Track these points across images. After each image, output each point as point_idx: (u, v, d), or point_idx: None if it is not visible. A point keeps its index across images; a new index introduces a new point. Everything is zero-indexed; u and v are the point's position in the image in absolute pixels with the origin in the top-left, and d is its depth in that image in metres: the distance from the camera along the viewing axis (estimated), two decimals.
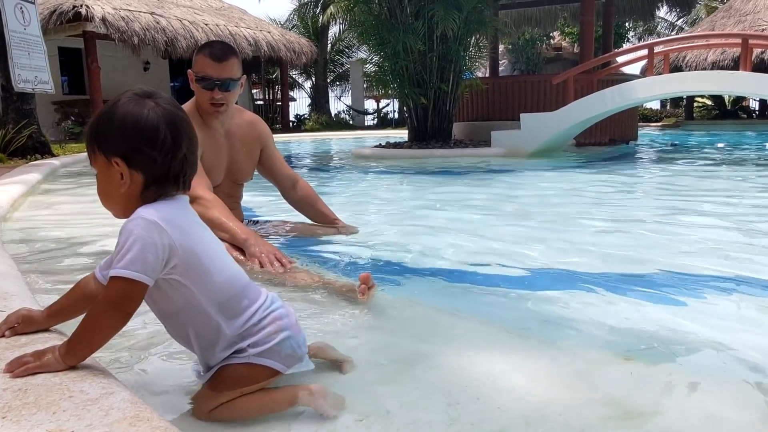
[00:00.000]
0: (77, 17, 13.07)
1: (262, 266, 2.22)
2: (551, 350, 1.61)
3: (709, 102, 24.24)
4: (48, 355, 1.13)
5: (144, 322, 1.68)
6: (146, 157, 1.14)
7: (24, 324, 1.30)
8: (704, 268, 2.39)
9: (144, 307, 1.18)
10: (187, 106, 2.70)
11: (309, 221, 3.10)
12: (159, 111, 1.16)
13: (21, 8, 8.19)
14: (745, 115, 23.22)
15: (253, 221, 3.09)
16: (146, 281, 1.09)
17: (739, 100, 23.09)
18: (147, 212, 1.11)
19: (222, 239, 2.36)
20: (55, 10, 13.19)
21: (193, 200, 2.43)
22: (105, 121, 1.16)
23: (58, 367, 1.12)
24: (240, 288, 1.23)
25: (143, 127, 1.13)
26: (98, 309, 1.11)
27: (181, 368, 1.46)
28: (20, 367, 1.11)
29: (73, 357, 1.13)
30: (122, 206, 1.17)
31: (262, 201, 4.14)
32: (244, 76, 2.75)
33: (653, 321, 1.80)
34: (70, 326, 1.50)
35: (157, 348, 1.58)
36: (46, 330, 1.32)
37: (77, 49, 15.64)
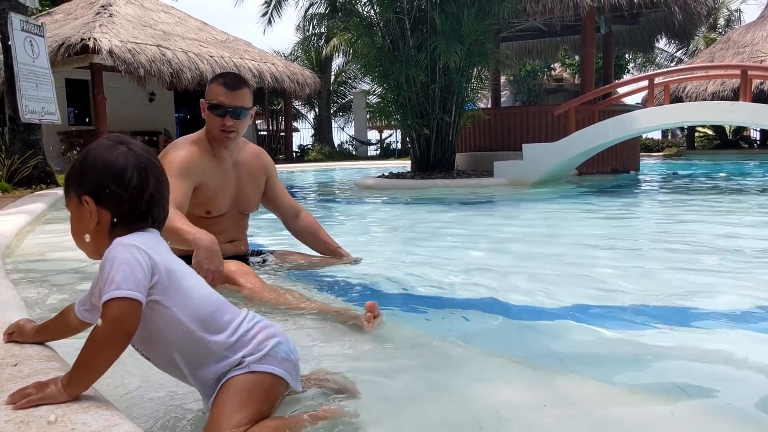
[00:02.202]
0: (85, 50, 13.28)
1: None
2: (557, 382, 1.59)
3: (710, 132, 24.38)
4: (51, 386, 1.12)
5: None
6: (113, 194, 1.19)
7: (17, 333, 1.42)
8: (710, 300, 2.38)
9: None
10: (197, 136, 2.73)
11: (312, 252, 3.10)
12: (129, 155, 1.22)
13: (30, 41, 8.34)
14: (747, 145, 23.33)
15: (257, 252, 3.09)
16: (140, 298, 1.11)
17: (740, 130, 23.23)
18: (124, 239, 1.17)
19: (178, 243, 2.28)
20: (63, 43, 13.41)
21: None
22: (78, 163, 1.24)
23: (60, 398, 1.11)
24: (219, 304, 1.27)
25: (111, 168, 1.20)
26: (97, 333, 1.11)
27: (185, 399, 1.44)
28: (22, 399, 1.09)
29: (75, 386, 1.12)
30: (93, 245, 1.23)
31: (265, 232, 4.14)
32: (255, 107, 2.79)
33: (658, 353, 1.78)
34: (71, 356, 1.50)
35: (161, 379, 1.56)
36: (40, 344, 1.42)
37: (84, 81, 15.86)
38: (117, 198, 1.20)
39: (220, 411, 1.19)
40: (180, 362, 1.22)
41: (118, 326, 1.10)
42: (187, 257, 2.74)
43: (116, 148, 1.22)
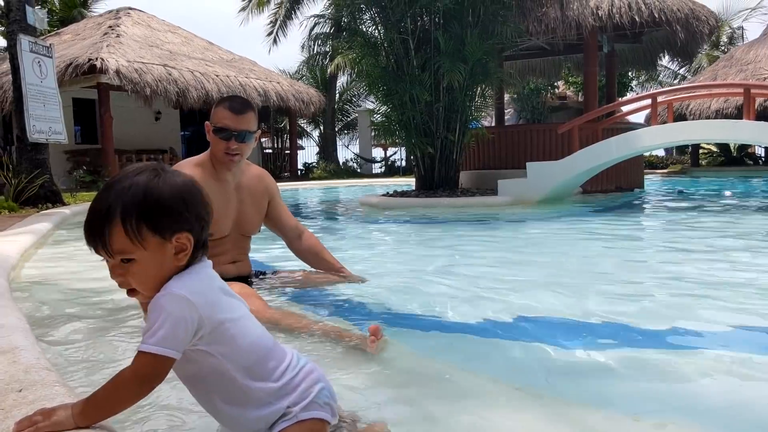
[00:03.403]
0: (92, 69, 13.42)
1: None
2: (561, 408, 1.58)
3: (714, 149, 24.36)
4: (59, 412, 1.11)
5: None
6: (203, 223, 1.18)
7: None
8: (717, 324, 2.36)
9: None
10: (200, 158, 2.76)
11: (316, 272, 3.11)
12: (185, 177, 1.20)
13: (39, 62, 8.44)
14: (751, 162, 23.29)
15: (261, 273, 3.10)
16: (176, 356, 1.10)
17: (744, 147, 23.19)
18: (176, 287, 1.13)
19: None
20: (71, 63, 13.56)
21: None
22: (156, 202, 1.13)
23: (68, 426, 1.10)
24: (266, 350, 1.22)
25: (195, 192, 1.18)
26: (124, 382, 1.11)
27: (195, 425, 1.44)
28: (30, 427, 1.09)
29: (87, 420, 1.12)
30: (161, 284, 1.15)
31: (268, 253, 4.15)
32: (259, 130, 2.82)
33: (663, 379, 1.78)
34: (75, 381, 1.50)
35: (168, 409, 1.57)
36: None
37: (91, 100, 16.00)
38: (204, 226, 1.18)
39: None
40: (219, 402, 1.21)
41: (146, 381, 1.11)
42: (242, 278, 2.77)
43: (170, 174, 1.17)
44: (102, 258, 1.16)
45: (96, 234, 1.13)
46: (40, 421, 1.10)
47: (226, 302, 1.19)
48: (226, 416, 1.22)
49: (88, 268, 3.84)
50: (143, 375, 1.10)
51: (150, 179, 1.14)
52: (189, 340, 1.12)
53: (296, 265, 3.23)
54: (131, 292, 1.18)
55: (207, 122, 2.71)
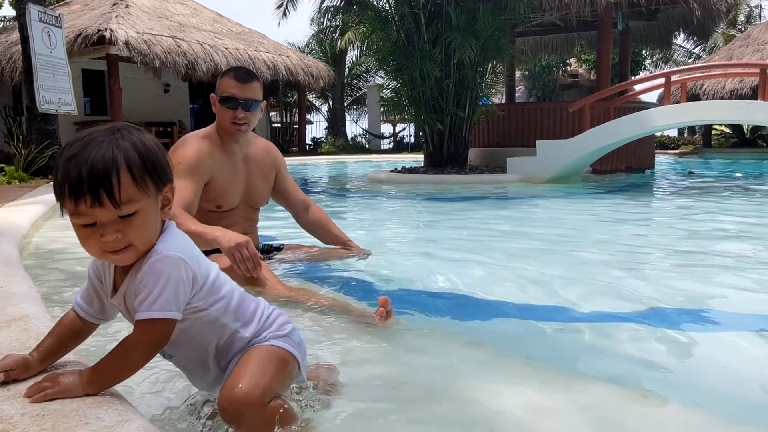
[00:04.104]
0: (101, 41, 13.36)
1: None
2: (568, 383, 1.59)
3: (727, 130, 24.08)
4: (68, 378, 1.13)
5: None
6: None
7: (20, 370, 1.19)
8: (727, 303, 2.36)
9: None
10: (207, 131, 2.76)
11: (322, 245, 3.11)
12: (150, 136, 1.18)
13: (48, 32, 8.40)
14: (765, 144, 23.01)
15: (268, 245, 3.11)
16: (179, 317, 1.13)
17: (758, 129, 22.90)
18: (168, 248, 1.13)
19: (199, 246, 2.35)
20: (80, 34, 13.50)
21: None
22: (149, 153, 1.12)
23: (76, 393, 1.12)
24: (242, 295, 1.29)
25: (158, 151, 1.17)
26: (131, 349, 1.12)
27: (199, 397, 1.46)
28: (39, 393, 1.11)
29: (95, 387, 1.13)
30: (152, 240, 1.14)
31: (276, 226, 4.16)
32: (265, 101, 2.80)
33: (674, 358, 1.78)
34: (86, 348, 1.52)
35: (175, 376, 1.58)
36: (40, 374, 1.22)
37: (100, 71, 15.96)
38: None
39: (242, 369, 1.20)
40: (211, 356, 1.25)
41: (152, 346, 1.13)
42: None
43: (139, 133, 1.14)
44: (85, 221, 1.09)
45: (100, 185, 1.05)
46: (48, 387, 1.11)
47: (203, 256, 1.23)
48: (215, 374, 1.27)
49: None
50: (150, 342, 1.12)
51: (131, 133, 1.13)
52: (188, 299, 1.15)
53: (303, 239, 3.23)
54: (123, 251, 1.11)
55: (212, 94, 2.69)
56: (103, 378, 1.13)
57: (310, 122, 25.94)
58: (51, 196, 4.94)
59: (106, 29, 13.42)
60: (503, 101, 15.07)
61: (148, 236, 1.13)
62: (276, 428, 1.19)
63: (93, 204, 1.06)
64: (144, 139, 1.13)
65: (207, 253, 2.46)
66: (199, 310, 1.19)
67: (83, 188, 1.05)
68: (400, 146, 23.94)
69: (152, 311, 1.09)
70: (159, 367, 1.62)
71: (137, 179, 1.08)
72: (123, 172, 1.07)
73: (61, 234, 4.04)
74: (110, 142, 1.09)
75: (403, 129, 25.53)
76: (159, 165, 1.13)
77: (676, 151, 21.92)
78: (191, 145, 2.66)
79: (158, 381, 1.54)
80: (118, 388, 1.18)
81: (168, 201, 1.16)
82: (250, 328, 1.26)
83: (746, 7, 27.57)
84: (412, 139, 24.28)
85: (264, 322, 1.28)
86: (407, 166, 10.61)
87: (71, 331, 1.27)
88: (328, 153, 19.98)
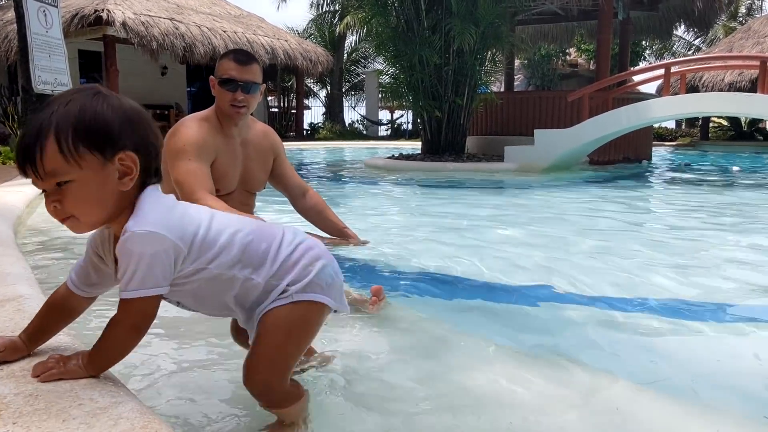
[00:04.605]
0: (98, 21, 13.24)
1: None
2: (561, 372, 1.59)
3: (725, 123, 24.09)
4: (72, 361, 1.13)
5: (157, 333, 1.68)
6: (153, 149, 1.11)
7: (8, 352, 1.19)
8: (724, 294, 2.37)
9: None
10: (206, 113, 2.74)
11: (318, 231, 3.11)
12: (131, 103, 1.11)
13: (44, 11, 8.32)
14: (762, 137, 23.03)
15: None
16: (161, 292, 1.10)
17: (755, 122, 22.91)
18: (138, 224, 1.06)
19: None
20: (76, 14, 13.37)
21: (191, 198, 2.45)
22: (92, 121, 1.04)
23: (81, 375, 1.12)
24: (251, 236, 1.19)
25: (143, 116, 1.11)
26: (118, 330, 1.11)
27: (193, 379, 1.46)
28: (45, 372, 1.11)
29: (95, 369, 1.14)
30: (107, 213, 1.09)
31: (272, 211, 4.15)
32: (264, 84, 2.78)
33: (669, 349, 1.78)
34: (81, 329, 1.52)
35: (169, 358, 1.58)
36: (29, 356, 1.22)
37: (97, 53, 15.83)
38: (154, 151, 1.11)
39: (261, 344, 1.17)
40: (234, 305, 1.20)
41: (137, 325, 1.11)
42: None
43: (115, 97, 1.09)
44: (37, 187, 1.06)
45: (28, 154, 1.01)
46: (54, 368, 1.11)
47: (189, 214, 1.15)
48: (244, 316, 1.22)
49: None
50: (133, 321, 1.10)
51: (88, 97, 1.06)
52: (171, 269, 1.09)
53: (300, 225, 3.23)
54: (68, 220, 1.08)
55: (211, 77, 2.68)
56: (99, 359, 1.13)
57: (308, 107, 25.82)
58: None
59: (103, 9, 13.30)
60: (502, 89, 15.02)
61: (90, 209, 1.07)
62: (290, 406, 1.21)
63: (24, 173, 1.04)
64: (95, 105, 1.05)
65: None
66: (197, 271, 1.13)
67: (18, 158, 1.04)
68: (397, 133, 23.88)
69: (127, 291, 1.07)
70: (157, 350, 1.62)
71: (63, 149, 1.02)
72: (49, 142, 1.02)
73: None
74: (52, 108, 1.04)
75: (401, 116, 25.45)
76: (100, 133, 1.04)
77: (674, 143, 21.92)
78: (191, 128, 2.64)
79: (154, 365, 1.54)
80: (116, 369, 1.18)
81: (128, 171, 1.07)
82: (262, 272, 1.17)
83: None
84: (410, 126, 24.21)
85: (283, 264, 1.18)
86: (405, 152, 10.59)
87: (61, 309, 1.24)
88: (325, 139, 19.92)
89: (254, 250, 1.18)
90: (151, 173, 1.12)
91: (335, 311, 1.24)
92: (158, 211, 1.09)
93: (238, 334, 1.40)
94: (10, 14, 12.17)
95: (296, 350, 1.21)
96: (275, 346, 1.17)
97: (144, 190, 1.11)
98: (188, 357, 1.62)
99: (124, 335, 1.12)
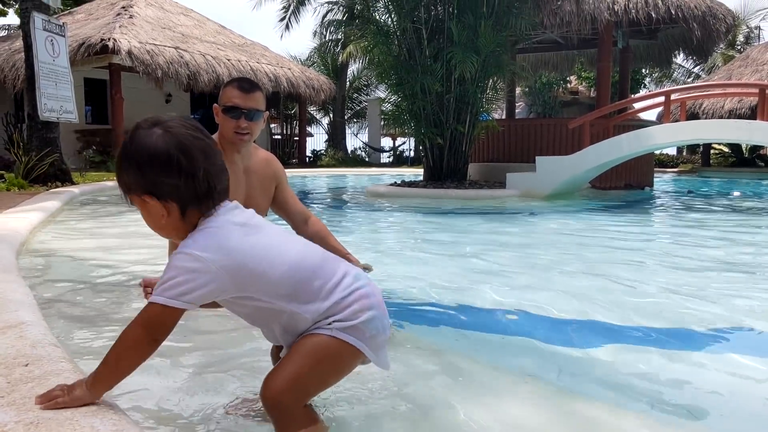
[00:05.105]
0: (104, 50, 13.43)
1: None
2: (567, 401, 1.58)
3: (726, 149, 24.17)
4: (77, 389, 1.13)
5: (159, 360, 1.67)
6: (168, 186, 1.15)
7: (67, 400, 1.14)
8: (726, 323, 2.35)
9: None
10: None
11: None
12: (168, 138, 1.15)
13: (52, 40, 8.44)
14: (763, 164, 23.09)
15: None
16: (180, 306, 1.11)
17: (756, 148, 22.99)
18: (186, 246, 1.14)
19: None
20: (83, 43, 13.56)
21: None
22: (123, 162, 1.18)
23: (87, 400, 1.12)
24: (309, 272, 1.21)
25: (154, 159, 1.14)
26: (126, 334, 1.13)
27: (192, 408, 1.45)
28: (49, 401, 1.11)
29: (100, 385, 1.13)
30: (173, 233, 1.21)
31: None
32: (267, 112, 2.81)
33: (670, 378, 1.77)
34: (82, 356, 1.51)
35: (168, 389, 1.57)
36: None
37: (102, 80, 16.02)
38: (174, 187, 1.15)
39: (289, 361, 1.19)
40: (278, 332, 1.23)
41: (147, 330, 1.12)
42: None
43: (152, 134, 1.15)
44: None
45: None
46: (59, 396, 1.11)
47: (248, 244, 1.18)
48: (291, 340, 1.24)
49: (94, 247, 3.86)
50: (149, 323, 1.12)
51: (131, 138, 1.18)
52: (206, 293, 1.12)
53: None
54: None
55: (215, 105, 2.71)
56: (104, 375, 1.13)
57: (311, 134, 26.01)
58: (49, 204, 4.95)
59: (109, 39, 13.49)
60: (503, 117, 15.13)
61: (154, 229, 1.22)
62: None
63: None
64: (131, 141, 1.17)
65: None
66: (245, 298, 1.18)
67: None
68: (399, 160, 23.99)
69: (155, 296, 1.12)
70: (156, 376, 1.61)
71: (121, 183, 1.19)
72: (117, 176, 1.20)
73: (58, 242, 4.03)
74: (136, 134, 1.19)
75: (403, 143, 25.61)
76: (121, 180, 1.19)
77: (675, 170, 21.98)
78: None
79: (155, 392, 1.53)
80: (115, 396, 1.17)
81: (153, 208, 1.17)
82: (311, 308, 1.19)
83: (745, 28, 27.78)
84: (412, 153, 24.34)
85: (334, 305, 1.20)
86: (407, 179, 10.62)
87: None
88: (327, 165, 20.01)
89: (307, 286, 1.20)
90: (199, 197, 1.17)
91: (368, 362, 1.26)
92: (210, 239, 1.15)
93: (276, 360, 1.40)
94: (18, 43, 12.36)
95: (319, 380, 1.21)
96: (301, 366, 1.18)
97: (212, 215, 1.19)
98: (188, 387, 1.61)
99: (136, 339, 1.12)
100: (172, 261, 1.13)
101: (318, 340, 1.19)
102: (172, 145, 1.14)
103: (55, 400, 1.11)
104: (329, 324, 1.19)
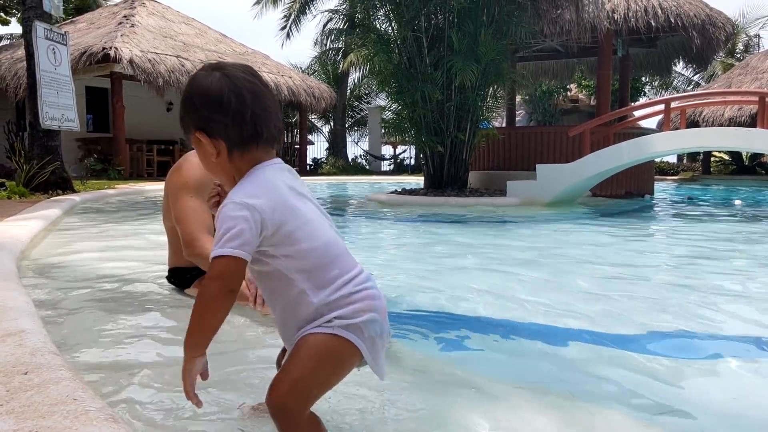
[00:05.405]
0: (106, 58, 13.48)
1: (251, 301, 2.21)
2: (567, 408, 1.57)
3: (726, 157, 24.20)
4: (183, 362, 1.17)
5: (160, 369, 1.67)
6: (218, 124, 1.22)
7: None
8: (727, 329, 2.34)
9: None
10: None
11: None
12: (223, 80, 1.23)
13: (54, 49, 8.48)
14: (763, 171, 23.11)
15: None
16: (244, 256, 1.14)
17: (757, 156, 23.01)
18: (235, 195, 1.18)
19: None
20: (85, 52, 13.62)
21: (192, 242, 2.47)
22: (183, 102, 1.27)
23: (190, 367, 1.16)
24: (332, 258, 1.23)
25: (208, 97, 1.22)
26: (203, 291, 1.15)
27: (195, 417, 1.44)
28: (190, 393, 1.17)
29: (194, 348, 1.16)
30: (222, 176, 1.27)
31: None
32: None
33: (674, 385, 1.76)
34: (83, 364, 1.50)
35: (170, 396, 1.57)
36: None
37: (103, 89, 16.08)
38: (223, 126, 1.21)
39: (291, 363, 1.19)
40: (280, 312, 1.24)
41: (220, 283, 1.14)
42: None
43: (210, 76, 1.24)
44: None
45: None
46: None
47: (292, 205, 1.22)
48: (282, 326, 1.26)
49: (95, 255, 3.86)
50: (215, 280, 1.14)
51: (192, 79, 1.26)
52: (255, 241, 1.16)
53: None
54: None
55: None
56: (193, 334, 1.16)
57: (311, 143, 26.05)
58: (50, 212, 4.95)
59: (110, 47, 13.55)
60: (504, 125, 15.17)
61: (207, 170, 1.30)
62: None
63: None
64: (203, 83, 1.23)
65: None
66: (269, 256, 1.20)
67: None
68: (400, 168, 24.03)
69: (216, 250, 1.15)
70: (154, 381, 1.61)
71: (181, 114, 1.28)
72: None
73: (58, 250, 4.03)
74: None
75: (404, 151, 25.65)
76: (183, 115, 1.27)
77: (676, 178, 22.00)
78: (194, 162, 2.66)
79: (162, 405, 1.53)
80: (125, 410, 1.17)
81: (202, 146, 1.24)
82: (321, 295, 1.20)
83: (744, 36, 27.87)
84: (413, 161, 24.38)
85: (341, 298, 1.21)
86: (407, 187, 10.63)
87: None
88: (328, 174, 20.04)
89: (326, 271, 1.22)
90: (244, 139, 1.22)
91: (364, 365, 1.26)
92: (258, 187, 1.20)
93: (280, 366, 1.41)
94: (20, 52, 12.41)
95: (322, 381, 1.21)
96: (302, 369, 1.18)
97: (258, 165, 1.23)
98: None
99: (209, 300, 1.15)
100: (223, 211, 1.16)
101: (317, 340, 1.19)
102: (226, 86, 1.22)
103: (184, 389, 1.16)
104: (329, 321, 1.20)
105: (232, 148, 1.22)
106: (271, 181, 1.22)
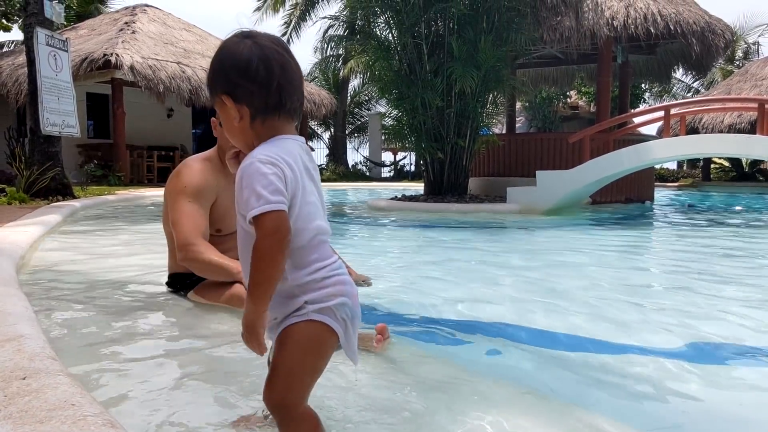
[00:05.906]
0: (107, 65, 13.52)
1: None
2: (569, 413, 1.57)
3: (726, 163, 24.24)
4: (244, 325, 1.19)
5: (158, 374, 1.66)
6: (245, 90, 1.24)
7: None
8: (727, 337, 2.34)
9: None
10: (208, 154, 2.77)
11: None
12: (254, 48, 1.25)
13: (54, 55, 8.50)
14: (763, 178, 23.13)
15: None
16: (282, 207, 1.17)
17: (756, 163, 23.05)
18: (259, 154, 1.20)
19: (221, 278, 2.49)
20: (86, 58, 13.66)
21: (186, 246, 2.48)
22: (212, 65, 1.29)
23: (256, 321, 1.18)
24: (315, 243, 1.26)
25: (237, 63, 1.25)
26: (260, 248, 1.16)
27: (194, 421, 1.44)
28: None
29: (259, 300, 1.17)
30: (242, 141, 1.30)
31: None
32: None
33: (676, 394, 1.75)
34: (81, 369, 1.50)
35: (170, 401, 1.56)
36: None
37: (104, 95, 16.12)
38: (249, 92, 1.24)
39: (279, 358, 1.22)
40: None
41: (275, 237, 1.16)
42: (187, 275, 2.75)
43: (242, 43, 1.26)
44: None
45: None
46: (245, 341, 1.21)
47: (304, 183, 1.25)
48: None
49: (95, 260, 3.86)
50: (271, 235, 1.15)
51: (223, 44, 1.29)
52: (284, 188, 1.18)
53: None
54: None
55: (213, 118, 2.71)
56: (257, 289, 1.17)
57: (312, 149, 26.05)
58: (50, 218, 4.95)
59: (111, 54, 13.59)
60: (504, 131, 15.19)
61: (229, 135, 1.31)
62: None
63: None
64: (234, 49, 1.26)
65: (230, 283, 2.49)
66: None
67: None
68: (400, 174, 24.06)
69: (260, 207, 1.15)
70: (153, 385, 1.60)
71: (209, 76, 1.30)
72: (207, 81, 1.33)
73: (58, 256, 4.03)
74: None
75: (404, 157, 25.69)
76: (208, 78, 1.29)
77: (676, 184, 22.01)
78: (194, 168, 2.67)
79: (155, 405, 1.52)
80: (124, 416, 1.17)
81: (227, 110, 1.26)
82: (296, 274, 1.23)
83: (744, 43, 27.96)
84: (413, 168, 24.41)
85: (314, 282, 1.24)
86: (408, 194, 10.64)
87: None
88: (328, 180, 20.06)
89: (307, 254, 1.25)
90: (268, 108, 1.25)
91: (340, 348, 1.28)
92: (276, 149, 1.22)
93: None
94: (21, 58, 12.45)
95: (311, 368, 1.23)
96: (291, 361, 1.21)
97: (281, 135, 1.26)
98: (189, 402, 1.60)
99: (269, 254, 1.16)
100: (251, 168, 1.18)
101: (296, 330, 1.22)
102: (256, 54, 1.25)
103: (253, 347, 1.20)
104: (302, 308, 1.23)
105: (255, 115, 1.25)
106: (293, 154, 1.25)
